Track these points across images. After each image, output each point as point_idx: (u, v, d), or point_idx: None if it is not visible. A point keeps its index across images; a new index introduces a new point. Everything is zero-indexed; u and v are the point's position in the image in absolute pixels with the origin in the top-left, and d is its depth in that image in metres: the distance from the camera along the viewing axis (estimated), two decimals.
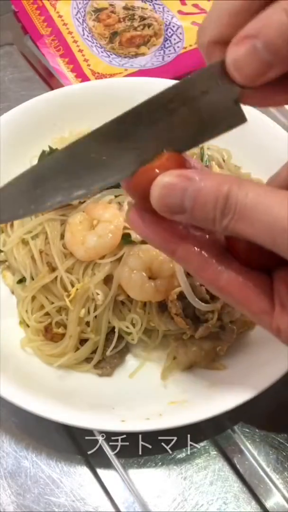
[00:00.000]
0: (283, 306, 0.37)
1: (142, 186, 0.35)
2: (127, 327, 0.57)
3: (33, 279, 0.60)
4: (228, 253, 0.38)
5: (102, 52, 0.83)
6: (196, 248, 0.37)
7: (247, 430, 0.55)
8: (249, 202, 0.33)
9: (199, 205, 0.34)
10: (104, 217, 0.57)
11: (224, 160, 0.66)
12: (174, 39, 0.84)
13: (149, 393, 0.56)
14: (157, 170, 0.35)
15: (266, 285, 0.37)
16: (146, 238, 0.38)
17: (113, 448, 0.54)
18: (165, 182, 0.34)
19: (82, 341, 0.58)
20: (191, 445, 0.54)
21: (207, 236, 0.38)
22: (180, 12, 0.87)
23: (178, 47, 0.83)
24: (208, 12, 0.37)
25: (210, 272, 0.37)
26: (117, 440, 0.54)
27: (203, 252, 0.37)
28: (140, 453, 0.54)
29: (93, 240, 0.56)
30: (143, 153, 0.36)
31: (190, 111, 0.35)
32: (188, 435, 0.54)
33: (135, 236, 0.56)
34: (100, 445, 0.54)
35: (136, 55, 0.83)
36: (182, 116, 0.35)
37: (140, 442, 0.54)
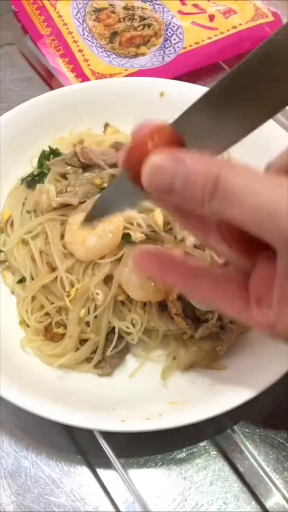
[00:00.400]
0: (258, 301, 0.38)
1: (134, 160, 0.36)
2: (127, 327, 0.57)
3: (33, 279, 0.60)
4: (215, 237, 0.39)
5: (102, 52, 0.83)
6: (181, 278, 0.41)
7: (247, 430, 0.55)
8: (238, 184, 0.33)
9: (188, 187, 0.34)
10: None
11: None
12: (174, 39, 0.84)
13: (149, 393, 0.56)
14: (149, 146, 0.35)
15: (240, 285, 0.39)
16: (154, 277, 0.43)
17: (113, 448, 0.54)
18: (156, 163, 0.34)
19: (82, 341, 0.58)
20: (191, 445, 0.54)
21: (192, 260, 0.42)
22: (180, 12, 0.87)
23: (178, 47, 0.83)
24: None
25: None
26: (117, 440, 0.54)
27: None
28: (140, 453, 0.54)
29: (93, 240, 0.56)
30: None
31: None
32: (188, 435, 0.54)
33: (135, 236, 0.56)
34: (100, 445, 0.54)
35: (136, 55, 0.83)
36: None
37: (140, 442, 0.54)
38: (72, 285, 0.57)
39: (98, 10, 0.87)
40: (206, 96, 0.36)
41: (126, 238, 0.57)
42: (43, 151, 0.66)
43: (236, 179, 0.33)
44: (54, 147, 0.66)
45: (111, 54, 0.83)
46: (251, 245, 0.38)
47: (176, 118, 0.37)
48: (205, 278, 0.41)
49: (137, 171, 0.35)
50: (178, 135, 0.36)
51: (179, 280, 0.42)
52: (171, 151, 0.35)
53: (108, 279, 0.57)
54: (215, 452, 0.54)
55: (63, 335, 0.58)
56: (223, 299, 0.40)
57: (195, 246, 0.57)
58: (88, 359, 0.58)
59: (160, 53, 0.83)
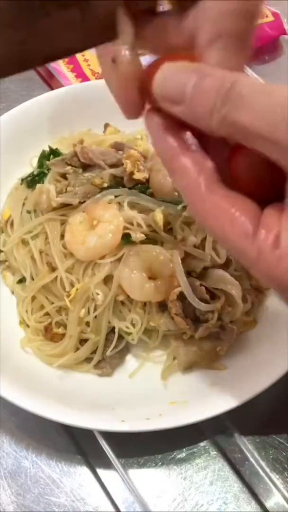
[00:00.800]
0: (269, 228, 0.33)
1: (151, 73, 0.35)
2: (127, 327, 0.57)
3: (33, 279, 0.60)
4: (224, 183, 0.35)
5: None
6: (193, 166, 0.35)
7: (247, 430, 0.55)
8: (252, 89, 0.32)
9: (200, 92, 0.33)
10: (104, 217, 0.57)
11: None
12: None
13: (149, 393, 0.56)
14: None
15: (252, 210, 0.34)
16: (154, 140, 0.37)
17: (113, 448, 0.54)
18: (171, 67, 0.34)
19: (82, 341, 0.58)
20: (191, 445, 0.54)
21: (210, 163, 0.35)
22: None
23: None
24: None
25: (196, 194, 0.35)
26: (117, 440, 0.54)
27: (198, 173, 0.35)
28: (140, 453, 0.54)
29: (93, 240, 0.56)
30: None
31: None
32: (188, 435, 0.54)
33: (135, 236, 0.56)
34: (100, 445, 0.54)
35: None
36: None
37: (140, 442, 0.54)
38: (72, 285, 0.57)
39: None
40: None
41: (126, 238, 0.57)
42: (43, 151, 0.66)
43: (251, 85, 0.32)
44: (54, 147, 0.66)
45: None
46: (263, 188, 0.35)
47: None
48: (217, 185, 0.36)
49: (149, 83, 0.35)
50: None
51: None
52: (189, 63, 0.34)
53: (108, 279, 0.57)
54: (215, 452, 0.54)
55: (63, 335, 0.58)
56: (228, 222, 0.35)
57: (195, 246, 0.57)
58: (88, 359, 0.58)
59: None
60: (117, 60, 0.37)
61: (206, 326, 0.55)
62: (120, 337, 0.58)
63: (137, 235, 0.56)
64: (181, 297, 0.55)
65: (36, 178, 0.64)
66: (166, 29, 0.39)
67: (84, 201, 0.59)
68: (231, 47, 0.35)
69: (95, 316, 0.57)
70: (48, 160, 0.64)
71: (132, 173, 0.59)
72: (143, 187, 0.60)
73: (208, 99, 0.32)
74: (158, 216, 0.57)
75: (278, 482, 0.53)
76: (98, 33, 0.36)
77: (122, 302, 0.57)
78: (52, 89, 0.80)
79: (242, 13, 0.35)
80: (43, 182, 0.63)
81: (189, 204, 0.36)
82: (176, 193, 0.60)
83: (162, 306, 0.57)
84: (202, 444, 0.54)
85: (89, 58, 0.82)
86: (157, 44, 0.40)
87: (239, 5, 0.34)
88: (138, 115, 0.38)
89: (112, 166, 0.61)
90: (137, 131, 0.69)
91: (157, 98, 0.35)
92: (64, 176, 0.62)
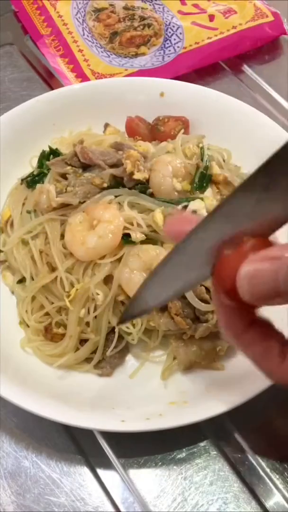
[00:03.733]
0: None
1: (226, 276, 0.33)
2: (127, 327, 0.57)
3: (33, 279, 0.60)
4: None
5: (102, 52, 0.83)
6: (260, 337, 0.36)
7: (247, 430, 0.55)
8: None
9: None
10: (104, 217, 0.57)
11: (224, 160, 0.66)
12: (174, 39, 0.84)
13: (149, 393, 0.56)
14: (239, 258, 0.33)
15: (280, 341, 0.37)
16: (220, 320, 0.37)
17: (113, 448, 0.54)
18: (252, 269, 0.32)
19: (82, 341, 0.58)
20: (191, 445, 0.54)
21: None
22: (180, 12, 0.87)
23: (178, 47, 0.83)
24: None
25: (270, 362, 0.36)
26: (117, 440, 0.54)
27: (266, 341, 0.36)
28: (140, 453, 0.54)
29: (93, 240, 0.56)
30: None
31: None
32: (188, 435, 0.54)
33: (135, 236, 0.56)
34: (100, 445, 0.54)
35: (136, 55, 0.83)
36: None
37: (140, 442, 0.54)
38: (72, 285, 0.57)
39: (98, 10, 0.87)
40: (250, 180, 0.33)
41: (126, 238, 0.57)
42: (43, 151, 0.66)
43: None
44: (54, 147, 0.66)
45: (111, 54, 0.83)
46: None
47: (222, 202, 0.34)
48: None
49: (230, 287, 0.33)
50: (270, 242, 0.34)
51: None
52: (263, 252, 0.32)
53: (108, 279, 0.57)
54: (215, 452, 0.54)
55: (63, 335, 0.58)
56: (260, 348, 0.37)
57: None
58: (88, 359, 0.58)
59: (160, 53, 0.83)
60: None
61: (206, 326, 0.55)
62: (120, 337, 0.58)
63: (137, 235, 0.56)
64: (181, 297, 0.55)
65: (36, 178, 0.64)
66: None
67: (84, 201, 0.59)
68: None
69: (95, 316, 0.57)
70: (48, 160, 0.64)
71: (132, 173, 0.59)
72: (143, 187, 0.60)
73: None
74: (158, 216, 0.57)
75: (278, 482, 0.53)
76: None
77: (122, 302, 0.57)
78: (52, 89, 0.80)
79: None
80: (43, 182, 0.63)
81: (263, 372, 0.38)
82: (176, 193, 0.60)
83: (162, 306, 0.57)
84: (202, 444, 0.54)
85: (89, 58, 0.82)
86: None
87: None
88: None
89: (112, 166, 0.61)
90: None
91: (249, 301, 0.33)
92: (64, 176, 0.62)
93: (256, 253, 0.32)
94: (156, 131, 0.69)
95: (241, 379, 0.53)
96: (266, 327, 0.37)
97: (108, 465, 0.53)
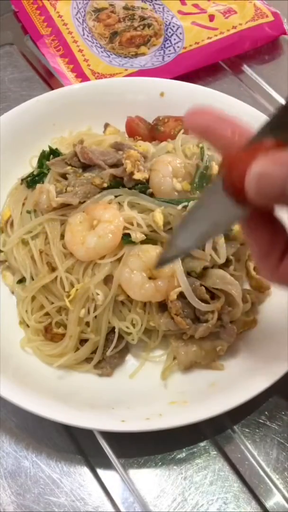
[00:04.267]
0: None
1: (235, 176, 0.34)
2: (127, 327, 0.57)
3: (33, 279, 0.60)
4: None
5: (102, 52, 0.83)
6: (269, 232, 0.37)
7: (247, 430, 0.55)
8: None
9: None
10: (104, 217, 0.57)
11: None
12: (174, 39, 0.84)
13: (149, 393, 0.56)
14: (247, 156, 0.33)
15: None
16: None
17: (113, 448, 0.54)
18: (261, 171, 0.32)
19: (82, 341, 0.58)
20: (191, 445, 0.54)
21: None
22: (180, 12, 0.87)
23: (178, 47, 0.83)
24: None
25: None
26: (117, 440, 0.54)
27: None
28: (140, 453, 0.54)
29: (93, 240, 0.56)
30: None
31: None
32: (188, 435, 0.54)
33: (135, 236, 0.56)
34: (100, 445, 0.54)
35: (136, 55, 0.83)
36: None
37: (140, 442, 0.54)
38: (72, 285, 0.57)
39: (98, 10, 0.87)
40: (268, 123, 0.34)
41: (126, 238, 0.57)
42: (43, 151, 0.66)
43: None
44: (54, 147, 0.66)
45: (111, 54, 0.83)
46: None
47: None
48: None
49: (239, 186, 0.34)
50: (269, 139, 0.34)
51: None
52: (274, 155, 0.33)
53: (108, 279, 0.57)
54: (215, 452, 0.54)
55: (63, 335, 0.58)
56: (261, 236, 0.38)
57: None
58: (88, 359, 0.58)
59: (160, 53, 0.83)
60: None
61: (206, 326, 0.55)
62: (120, 337, 0.58)
63: (137, 235, 0.56)
64: (181, 297, 0.55)
65: (36, 178, 0.64)
66: None
67: (84, 201, 0.59)
68: None
69: (95, 316, 0.57)
70: (48, 160, 0.64)
71: (132, 173, 0.59)
72: (143, 187, 0.60)
73: None
74: (158, 216, 0.57)
75: (278, 482, 0.53)
76: None
77: (122, 302, 0.57)
78: (52, 89, 0.80)
79: None
80: (43, 182, 0.63)
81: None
82: (176, 193, 0.60)
83: (162, 306, 0.57)
84: (202, 444, 0.54)
85: (89, 58, 0.82)
86: None
87: None
88: None
89: (112, 166, 0.61)
90: None
91: (255, 199, 0.34)
92: (64, 176, 0.62)
93: (267, 154, 0.33)
94: (156, 131, 0.69)
95: (241, 379, 0.53)
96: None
97: (108, 465, 0.53)
